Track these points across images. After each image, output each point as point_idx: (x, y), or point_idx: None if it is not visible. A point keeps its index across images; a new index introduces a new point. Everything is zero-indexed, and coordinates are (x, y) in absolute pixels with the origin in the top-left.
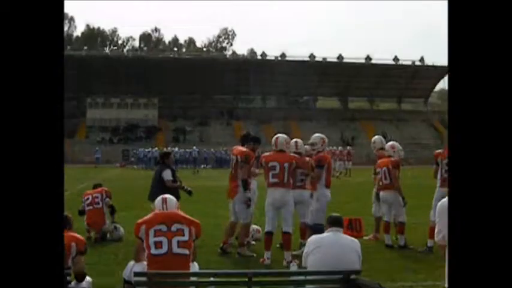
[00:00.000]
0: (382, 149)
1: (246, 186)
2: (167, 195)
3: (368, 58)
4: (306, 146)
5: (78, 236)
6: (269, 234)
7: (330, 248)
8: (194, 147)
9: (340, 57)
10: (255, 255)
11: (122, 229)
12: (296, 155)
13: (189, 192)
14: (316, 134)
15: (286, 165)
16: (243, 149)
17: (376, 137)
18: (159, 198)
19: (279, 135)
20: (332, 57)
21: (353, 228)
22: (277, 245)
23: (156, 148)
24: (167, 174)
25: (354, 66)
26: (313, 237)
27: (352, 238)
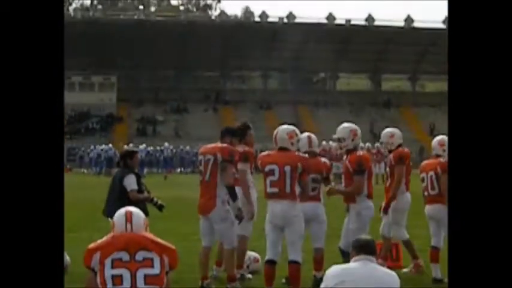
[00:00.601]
0: (400, 145)
1: (233, 194)
2: (132, 209)
3: (409, 20)
4: (331, 143)
5: None
6: (270, 264)
7: (360, 284)
8: (166, 144)
9: (369, 18)
10: None
11: (67, 257)
12: (303, 155)
13: (160, 207)
14: (345, 125)
15: (287, 168)
16: (223, 145)
17: (391, 129)
18: (120, 213)
19: (282, 127)
20: (358, 18)
21: (388, 256)
22: (283, 280)
23: (111, 145)
24: (130, 182)
25: (389, 32)
26: (335, 268)
27: (389, 271)
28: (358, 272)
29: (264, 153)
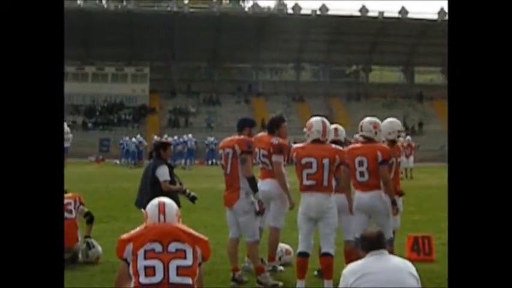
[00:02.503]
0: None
1: (254, 186)
2: (165, 200)
3: (442, 13)
4: (356, 136)
5: None
6: (303, 256)
7: (380, 275)
8: (190, 135)
9: (402, 11)
10: (280, 284)
11: (99, 247)
12: (339, 148)
13: (193, 198)
14: (367, 119)
15: (325, 161)
16: (240, 137)
17: (391, 120)
18: (153, 203)
19: (316, 118)
20: (392, 10)
21: (420, 249)
22: (315, 273)
23: (140, 136)
24: (163, 173)
25: (422, 24)
26: (352, 265)
27: (403, 259)
28: (376, 265)
29: (298, 146)
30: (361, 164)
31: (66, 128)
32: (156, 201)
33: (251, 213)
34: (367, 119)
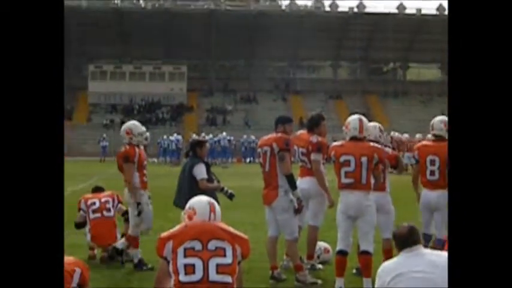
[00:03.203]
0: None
1: (292, 183)
2: (210, 199)
3: None
4: (396, 134)
5: (80, 260)
6: (342, 254)
7: (414, 273)
8: (224, 133)
9: (440, 8)
10: (319, 282)
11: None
12: (378, 146)
13: (230, 196)
14: (438, 118)
15: (364, 159)
16: (277, 135)
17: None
18: (202, 201)
19: (353, 116)
20: (429, 8)
21: None
22: (354, 271)
23: (177, 135)
24: (200, 171)
25: None
26: (387, 264)
27: (438, 252)
28: (411, 263)
29: (336, 144)
30: (432, 163)
31: (142, 128)
32: (205, 199)
33: (290, 211)
34: (438, 117)
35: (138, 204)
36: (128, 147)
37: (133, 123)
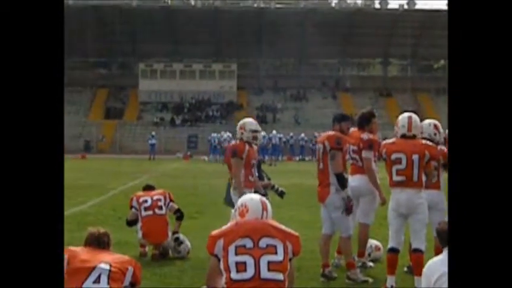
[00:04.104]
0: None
1: (342, 182)
2: (261, 197)
3: None
4: (447, 131)
5: (132, 259)
6: (393, 252)
7: None
8: (274, 132)
9: None
10: (370, 280)
11: (188, 243)
12: (430, 144)
13: (281, 194)
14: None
15: (415, 157)
16: (330, 133)
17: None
18: (254, 199)
19: (405, 114)
20: None
21: None
22: (405, 269)
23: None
24: None
25: None
26: (432, 263)
27: None
28: None
29: (388, 141)
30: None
31: (257, 127)
32: (257, 197)
33: (342, 209)
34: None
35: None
36: (238, 142)
37: (249, 120)
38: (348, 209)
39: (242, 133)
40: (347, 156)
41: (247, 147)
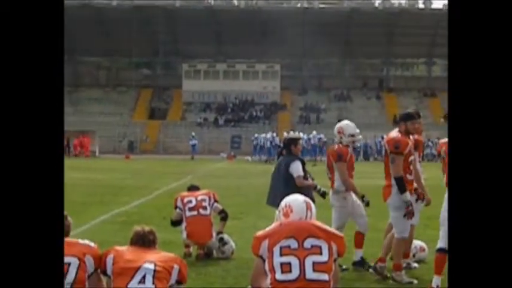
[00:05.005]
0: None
1: (402, 186)
2: (305, 197)
3: None
4: None
5: (178, 257)
6: (442, 252)
7: None
8: (314, 132)
9: None
10: (415, 281)
11: (232, 243)
12: None
13: (324, 194)
14: None
15: None
16: (393, 134)
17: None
18: (299, 200)
19: None
20: None
21: None
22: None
23: (272, 133)
24: (297, 168)
25: None
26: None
27: None
28: None
29: (444, 141)
30: None
31: (355, 130)
32: (301, 197)
33: (401, 210)
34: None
35: (363, 196)
36: (340, 145)
37: (347, 123)
38: (408, 214)
39: (341, 137)
40: (411, 158)
41: (349, 150)
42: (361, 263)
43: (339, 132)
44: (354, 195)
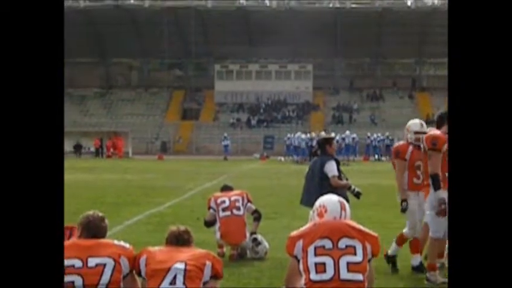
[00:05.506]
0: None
1: (436, 183)
2: (340, 197)
3: None
4: None
5: (210, 252)
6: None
7: None
8: (347, 132)
9: None
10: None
11: (266, 243)
12: None
13: (358, 194)
14: None
15: None
16: (434, 132)
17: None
18: (333, 200)
19: None
20: None
21: None
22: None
23: (305, 132)
24: (332, 168)
25: None
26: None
27: None
28: None
29: None
30: None
31: (423, 128)
32: (335, 197)
33: (436, 210)
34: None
35: (403, 201)
36: (402, 143)
37: (414, 121)
38: (439, 212)
39: (407, 134)
40: None
41: (410, 148)
42: (419, 268)
43: (406, 130)
44: (421, 196)
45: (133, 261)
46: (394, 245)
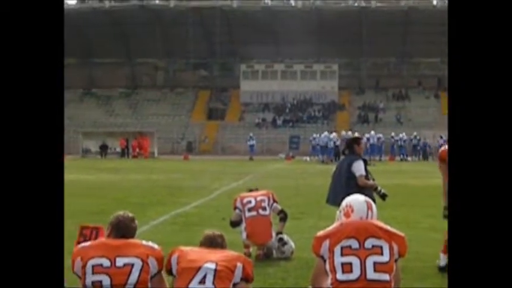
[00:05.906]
0: None
1: None
2: (366, 197)
3: None
4: None
5: (241, 255)
6: None
7: None
8: (372, 132)
9: None
10: None
11: (292, 243)
12: None
13: (384, 196)
14: None
15: None
16: None
17: None
18: (359, 200)
19: None
20: None
21: None
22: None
23: (334, 133)
24: (360, 168)
25: None
26: None
27: None
28: None
29: None
30: None
31: None
32: (362, 197)
33: None
34: None
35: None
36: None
37: None
38: None
39: None
40: None
41: None
42: (446, 269)
43: None
44: None
45: (162, 262)
46: (441, 255)
